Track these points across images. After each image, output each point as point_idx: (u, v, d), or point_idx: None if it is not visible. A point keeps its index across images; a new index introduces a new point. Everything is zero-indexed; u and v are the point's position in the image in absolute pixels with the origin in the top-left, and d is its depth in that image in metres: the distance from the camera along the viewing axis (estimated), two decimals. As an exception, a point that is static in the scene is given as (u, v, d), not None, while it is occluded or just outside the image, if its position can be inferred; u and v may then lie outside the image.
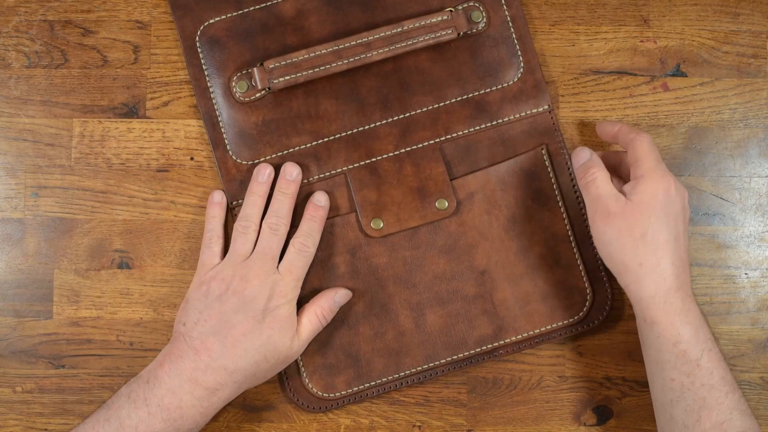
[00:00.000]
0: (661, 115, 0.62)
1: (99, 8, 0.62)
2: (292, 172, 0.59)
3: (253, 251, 0.57)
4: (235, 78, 0.59)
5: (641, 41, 0.62)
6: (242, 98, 0.59)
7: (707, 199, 0.62)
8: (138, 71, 0.62)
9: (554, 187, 0.60)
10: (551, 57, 0.62)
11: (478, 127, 0.60)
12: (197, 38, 0.60)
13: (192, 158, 0.62)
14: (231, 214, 0.60)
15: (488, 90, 0.60)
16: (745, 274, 0.62)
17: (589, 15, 0.62)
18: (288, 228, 0.58)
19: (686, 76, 0.62)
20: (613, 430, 0.61)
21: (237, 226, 0.58)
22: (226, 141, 0.60)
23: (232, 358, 0.54)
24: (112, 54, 0.62)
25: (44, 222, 0.62)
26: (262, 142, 0.60)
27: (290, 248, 0.57)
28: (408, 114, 0.60)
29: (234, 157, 0.60)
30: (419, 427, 0.61)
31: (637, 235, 0.53)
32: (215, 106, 0.60)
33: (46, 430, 0.61)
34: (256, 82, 0.59)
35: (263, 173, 0.59)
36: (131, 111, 0.62)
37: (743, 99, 0.62)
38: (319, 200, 0.59)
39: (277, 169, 0.59)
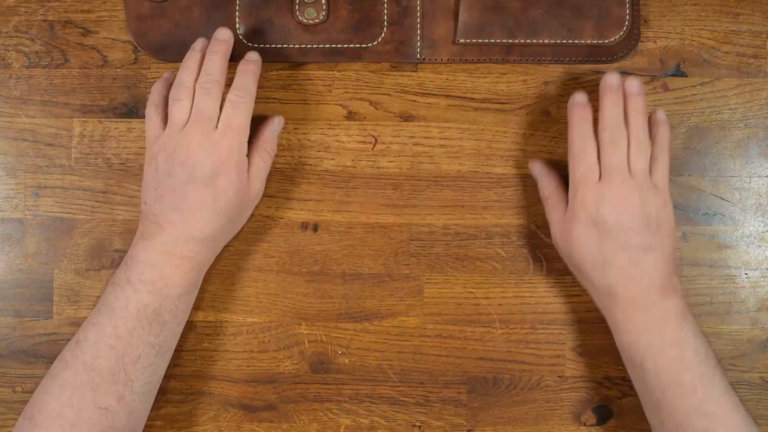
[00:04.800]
0: (661, 115, 0.62)
1: (99, 8, 0.62)
2: (224, 34, 0.57)
3: (189, 117, 0.55)
4: None
5: (641, 41, 0.62)
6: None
7: (707, 199, 0.62)
8: (138, 71, 0.62)
9: None
10: (551, 57, 0.62)
11: None
12: None
13: (192, 158, 0.62)
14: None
15: None
16: (745, 274, 0.62)
17: (589, 15, 0.63)
18: (222, 87, 0.56)
19: (686, 76, 0.62)
20: (613, 430, 0.61)
21: (171, 94, 0.56)
22: None
23: (198, 228, 0.55)
24: (112, 54, 0.62)
25: (44, 222, 0.62)
26: None
27: (225, 104, 0.55)
28: None
29: None
30: (419, 427, 0.61)
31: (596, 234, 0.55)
32: None
33: (46, 430, 0.61)
34: None
35: (198, 43, 0.58)
36: (131, 111, 0.62)
37: (743, 99, 0.62)
38: (251, 56, 0.58)
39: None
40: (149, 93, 0.59)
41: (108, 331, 0.53)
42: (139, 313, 0.54)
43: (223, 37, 0.57)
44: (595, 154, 0.55)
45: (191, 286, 0.56)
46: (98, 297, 0.61)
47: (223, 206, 0.55)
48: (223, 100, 0.56)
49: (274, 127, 0.60)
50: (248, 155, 0.57)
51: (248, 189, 0.57)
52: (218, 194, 0.55)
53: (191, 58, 0.57)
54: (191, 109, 0.55)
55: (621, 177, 0.54)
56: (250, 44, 0.61)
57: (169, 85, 0.58)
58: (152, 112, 0.57)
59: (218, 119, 0.55)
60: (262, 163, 0.58)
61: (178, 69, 0.58)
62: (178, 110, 0.55)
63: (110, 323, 0.53)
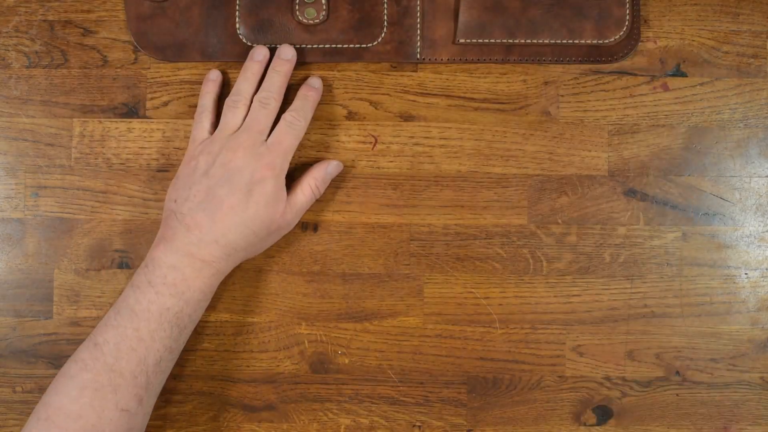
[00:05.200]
0: (661, 115, 0.62)
1: (99, 8, 0.62)
2: (287, 52, 0.59)
3: (241, 125, 0.57)
4: None
5: (641, 41, 0.62)
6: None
7: (707, 199, 0.62)
8: (138, 71, 0.62)
9: None
10: (551, 57, 0.62)
11: None
12: None
13: (192, 158, 0.62)
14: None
15: None
16: (745, 274, 0.62)
17: (589, 15, 0.62)
18: (279, 105, 0.58)
19: (686, 76, 0.62)
20: (613, 430, 0.61)
21: (228, 101, 0.58)
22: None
23: (222, 232, 0.55)
24: (112, 54, 0.62)
25: (44, 222, 0.62)
26: None
27: (281, 122, 0.57)
28: None
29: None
30: (419, 427, 0.61)
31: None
32: None
33: (46, 430, 0.61)
34: None
35: (259, 52, 0.59)
36: (131, 111, 0.62)
37: (743, 99, 0.62)
38: (313, 83, 0.60)
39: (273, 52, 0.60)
40: (199, 94, 0.60)
41: (129, 333, 0.53)
42: (161, 316, 0.54)
43: (287, 56, 0.59)
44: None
45: (209, 291, 0.56)
46: (98, 297, 0.61)
47: (251, 217, 0.55)
48: (276, 118, 0.58)
49: (330, 169, 0.60)
50: (293, 185, 0.58)
51: (281, 213, 0.57)
52: (250, 204, 0.55)
53: (251, 69, 0.59)
54: (245, 118, 0.57)
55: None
56: (250, 44, 0.61)
57: (218, 87, 0.60)
58: (203, 116, 0.59)
59: (268, 135, 0.57)
60: (303, 197, 0.59)
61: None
62: (233, 117, 0.57)
63: (131, 325, 0.53)
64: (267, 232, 0.57)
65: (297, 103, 0.58)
